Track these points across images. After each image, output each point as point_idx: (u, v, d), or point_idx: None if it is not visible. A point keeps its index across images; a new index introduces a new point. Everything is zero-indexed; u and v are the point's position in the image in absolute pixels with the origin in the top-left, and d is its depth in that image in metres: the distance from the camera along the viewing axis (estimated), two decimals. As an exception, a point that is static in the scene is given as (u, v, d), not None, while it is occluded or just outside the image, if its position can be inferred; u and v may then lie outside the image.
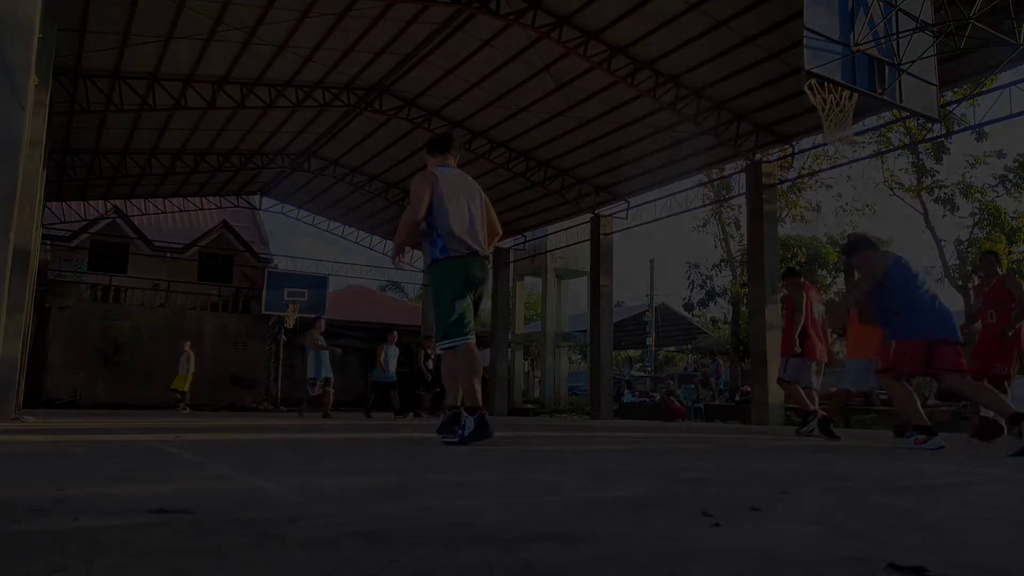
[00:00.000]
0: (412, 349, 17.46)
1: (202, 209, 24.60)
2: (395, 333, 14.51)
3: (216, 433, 5.94)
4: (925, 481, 2.81)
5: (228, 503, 1.78)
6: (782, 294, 11.45)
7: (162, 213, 24.07)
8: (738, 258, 24.71)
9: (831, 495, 2.29)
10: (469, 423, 4.28)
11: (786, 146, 15.45)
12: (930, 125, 14.99)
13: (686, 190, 18.31)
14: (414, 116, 16.65)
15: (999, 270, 7.28)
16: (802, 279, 8.07)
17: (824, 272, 25.88)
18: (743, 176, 15.82)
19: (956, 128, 16.10)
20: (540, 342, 27.85)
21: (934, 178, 19.49)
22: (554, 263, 26.71)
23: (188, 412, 14.90)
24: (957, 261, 19.47)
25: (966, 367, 5.21)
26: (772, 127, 14.37)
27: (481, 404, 4.40)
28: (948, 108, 13.22)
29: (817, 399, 7.65)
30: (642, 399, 23.56)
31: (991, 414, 6.21)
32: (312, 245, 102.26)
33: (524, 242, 23.85)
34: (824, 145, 15.98)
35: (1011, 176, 17.99)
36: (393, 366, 14.04)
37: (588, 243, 19.34)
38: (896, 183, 21.08)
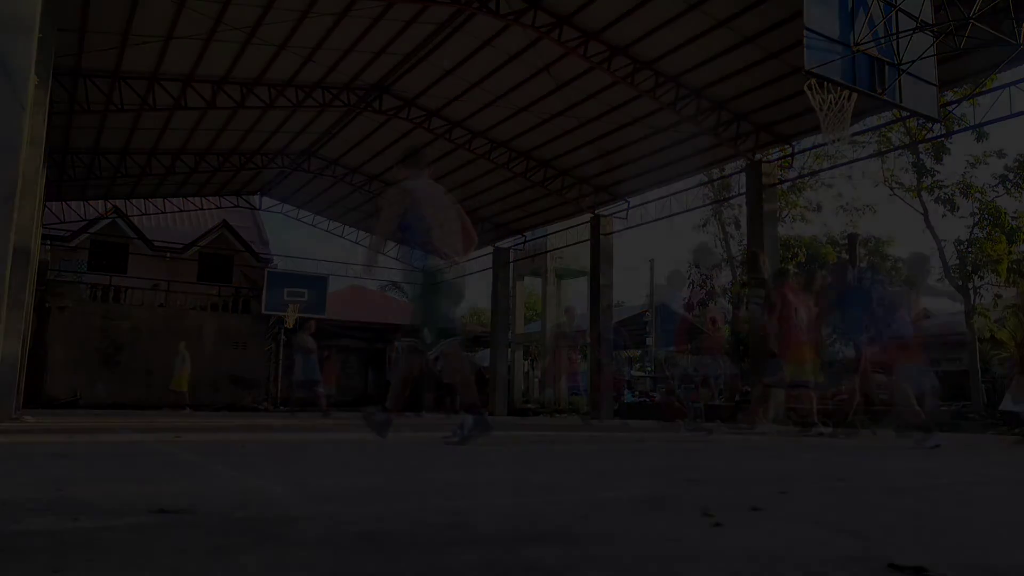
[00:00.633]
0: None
1: (202, 209, 24.53)
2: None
3: (216, 433, 5.95)
4: (925, 481, 2.81)
5: (228, 503, 1.78)
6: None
7: (162, 213, 24.00)
8: (738, 258, 24.67)
9: (831, 495, 2.29)
10: (468, 421, 4.32)
11: (786, 146, 15.42)
12: (930, 125, 14.96)
13: (686, 190, 18.30)
14: (414, 116, 16.64)
15: None
16: (786, 280, 8.12)
17: (824, 272, 25.77)
18: (743, 176, 15.81)
19: (956, 128, 16.06)
20: (540, 342, 27.85)
21: (934, 178, 19.43)
22: (554, 263, 26.69)
23: (189, 412, 14.91)
24: (957, 261, 19.40)
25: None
26: (772, 127, 14.36)
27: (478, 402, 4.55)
28: (948, 108, 13.20)
29: (816, 399, 7.67)
30: (642, 399, 23.54)
31: None
32: (312, 245, 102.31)
33: (524, 242, 23.80)
34: (824, 145, 15.96)
35: (1011, 176, 17.92)
36: None
37: (588, 243, 19.35)
38: (896, 183, 21.04)
